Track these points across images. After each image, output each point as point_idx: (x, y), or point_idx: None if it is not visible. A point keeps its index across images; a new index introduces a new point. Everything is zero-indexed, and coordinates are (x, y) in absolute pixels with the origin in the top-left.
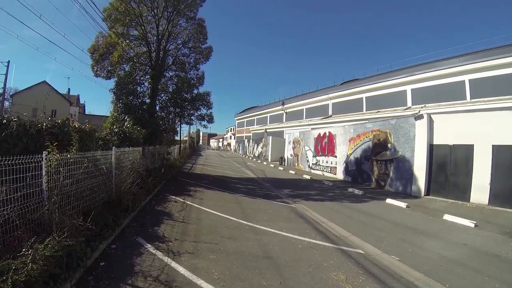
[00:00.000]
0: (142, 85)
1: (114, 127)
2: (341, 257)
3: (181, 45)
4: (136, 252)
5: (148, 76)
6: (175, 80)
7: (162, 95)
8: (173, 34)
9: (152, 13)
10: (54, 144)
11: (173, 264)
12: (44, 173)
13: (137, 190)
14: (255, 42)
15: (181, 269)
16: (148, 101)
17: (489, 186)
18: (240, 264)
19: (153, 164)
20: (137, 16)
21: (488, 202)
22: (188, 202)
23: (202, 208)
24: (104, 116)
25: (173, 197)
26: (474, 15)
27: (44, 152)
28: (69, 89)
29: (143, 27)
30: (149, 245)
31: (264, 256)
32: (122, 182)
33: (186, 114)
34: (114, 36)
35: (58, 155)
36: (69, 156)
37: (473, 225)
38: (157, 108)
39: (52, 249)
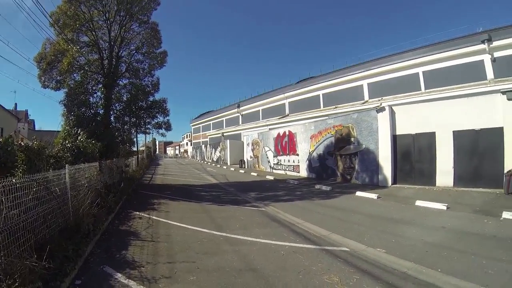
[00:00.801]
0: (95, 95)
1: (67, 142)
2: (328, 258)
3: (134, 51)
4: (106, 285)
5: (101, 85)
6: (130, 88)
7: (117, 104)
8: (126, 40)
9: (104, 17)
10: None
11: None
12: None
13: (97, 211)
14: (207, 46)
15: None
16: (101, 112)
17: (453, 169)
18: (225, 282)
19: (112, 179)
20: (88, 20)
21: (453, 184)
22: (154, 217)
23: (170, 222)
24: (56, 131)
25: (137, 213)
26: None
27: None
28: (16, 104)
29: (94, 33)
30: (119, 275)
31: (247, 268)
32: (80, 204)
33: (142, 123)
34: (63, 42)
35: None
36: (14, 181)
37: (445, 208)
38: (112, 118)
39: None
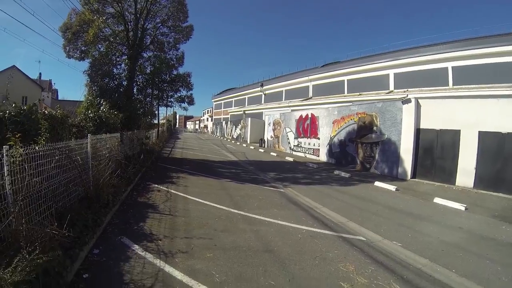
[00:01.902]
0: (119, 67)
1: (89, 112)
2: (344, 246)
3: (160, 24)
4: (123, 256)
5: (125, 57)
6: (153, 61)
7: (140, 76)
8: (152, 12)
9: None
10: (17, 136)
11: (167, 268)
12: (6, 172)
13: (117, 181)
14: (233, 20)
15: (177, 274)
16: (125, 83)
17: (475, 170)
18: (241, 261)
19: (132, 150)
20: None
21: (473, 186)
22: (172, 191)
23: (188, 197)
24: (78, 101)
25: (156, 185)
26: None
27: (4, 146)
28: (40, 73)
29: (120, 4)
30: (136, 246)
31: (264, 250)
32: (100, 174)
33: (165, 96)
34: (89, 13)
35: (21, 149)
36: (37, 148)
37: (463, 209)
38: (135, 90)
39: (23, 272)
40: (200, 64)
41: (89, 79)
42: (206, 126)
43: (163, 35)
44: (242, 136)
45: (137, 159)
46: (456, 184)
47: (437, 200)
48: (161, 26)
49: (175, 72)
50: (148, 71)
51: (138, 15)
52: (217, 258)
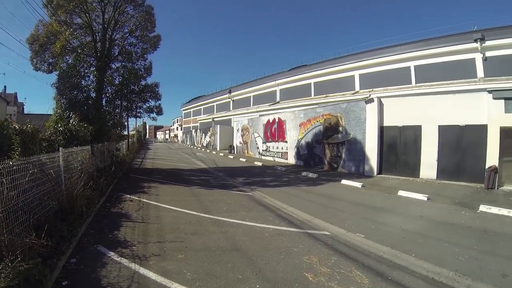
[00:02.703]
0: (87, 78)
1: (59, 125)
2: (309, 240)
3: (128, 34)
4: (100, 263)
5: (93, 68)
6: (122, 71)
7: (109, 88)
8: (120, 22)
9: None
10: None
11: (142, 271)
12: None
13: (90, 193)
14: (200, 32)
15: (151, 275)
16: (93, 95)
17: (437, 163)
18: (211, 260)
19: (103, 163)
20: (82, 2)
21: (436, 177)
22: (144, 200)
23: (160, 204)
24: (45, 114)
25: (128, 196)
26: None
27: None
28: (5, 86)
29: (87, 15)
30: (112, 253)
31: (233, 248)
32: (73, 186)
33: (134, 107)
34: (56, 24)
35: None
36: (11, 163)
37: (426, 199)
38: (104, 102)
39: (7, 279)
40: (169, 74)
41: (57, 92)
42: (176, 136)
43: (131, 45)
44: (212, 144)
45: (109, 171)
46: (420, 176)
47: (401, 193)
48: (129, 36)
49: (143, 83)
50: (116, 82)
51: (106, 26)
52: (188, 258)
